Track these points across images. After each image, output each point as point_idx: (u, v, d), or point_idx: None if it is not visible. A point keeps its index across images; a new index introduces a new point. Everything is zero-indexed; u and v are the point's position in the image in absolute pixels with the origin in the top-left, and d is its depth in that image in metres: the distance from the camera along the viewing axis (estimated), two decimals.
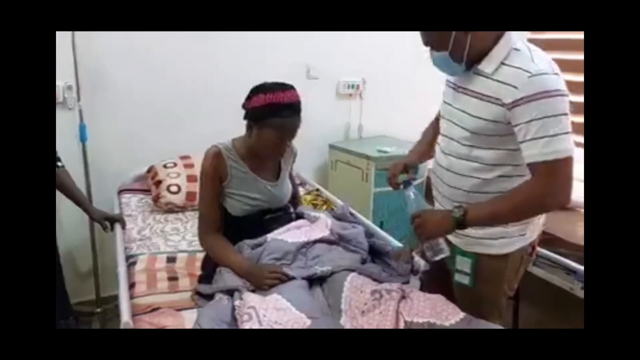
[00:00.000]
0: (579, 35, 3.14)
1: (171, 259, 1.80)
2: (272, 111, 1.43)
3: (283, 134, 1.46)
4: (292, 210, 1.73)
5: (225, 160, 1.52)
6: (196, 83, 2.61)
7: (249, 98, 1.48)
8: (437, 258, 1.32)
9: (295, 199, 1.81)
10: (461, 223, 1.24)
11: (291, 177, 1.76)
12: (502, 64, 1.22)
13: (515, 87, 1.17)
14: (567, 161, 1.16)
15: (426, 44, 1.31)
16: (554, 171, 1.16)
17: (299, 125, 1.49)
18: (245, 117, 1.51)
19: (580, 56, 3.11)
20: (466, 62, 1.27)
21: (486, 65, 1.24)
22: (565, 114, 1.16)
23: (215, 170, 1.51)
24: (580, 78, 3.07)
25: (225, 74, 2.66)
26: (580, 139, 3.22)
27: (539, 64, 1.17)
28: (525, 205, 1.22)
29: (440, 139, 1.45)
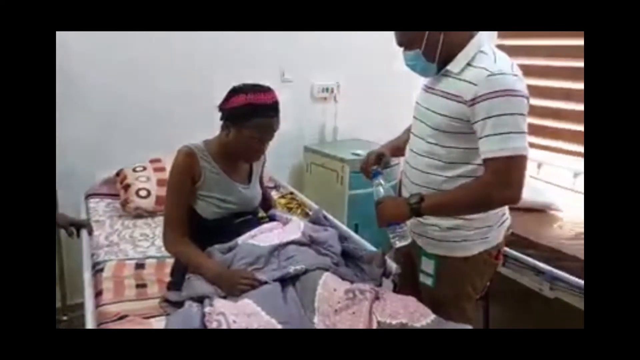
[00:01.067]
0: (544, 42, 3.24)
1: (140, 265, 1.75)
2: (253, 111, 1.42)
3: (263, 135, 1.46)
4: (262, 213, 1.71)
5: (198, 161, 1.49)
6: (167, 86, 2.56)
7: (227, 99, 1.47)
8: (399, 244, 1.37)
9: (267, 202, 1.80)
10: (417, 209, 1.29)
11: (261, 181, 1.75)
12: (468, 64, 1.27)
13: (475, 84, 1.21)
14: (520, 159, 1.20)
15: (400, 44, 1.35)
16: (505, 168, 1.20)
17: (278, 126, 1.48)
18: (222, 118, 1.48)
19: (544, 62, 3.22)
20: (437, 63, 1.31)
21: (454, 66, 1.29)
22: (522, 114, 1.20)
23: (187, 171, 1.47)
24: (542, 83, 3.21)
25: (197, 77, 2.63)
26: (539, 140, 3.30)
27: (500, 65, 1.22)
28: (476, 198, 1.27)
29: (410, 138, 1.48)
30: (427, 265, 1.46)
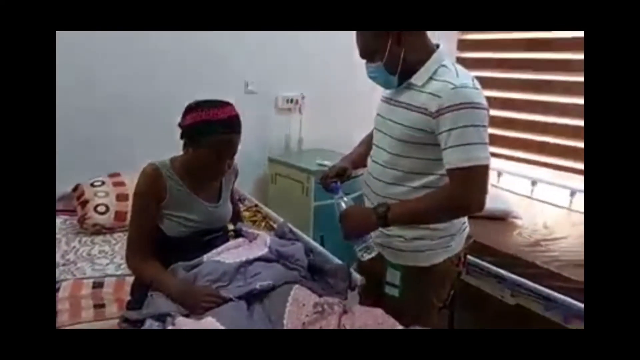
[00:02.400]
0: (502, 55, 3.36)
1: (98, 284, 1.69)
2: (206, 129, 1.36)
3: (220, 153, 1.40)
4: (231, 227, 1.68)
5: (164, 180, 1.43)
6: (127, 98, 2.50)
7: (183, 116, 1.42)
8: (367, 257, 1.37)
9: (236, 216, 1.77)
10: (383, 219, 1.30)
11: (232, 194, 1.72)
12: (431, 78, 1.30)
13: (439, 97, 1.24)
14: (483, 169, 1.24)
15: (362, 56, 1.38)
16: (469, 177, 1.23)
17: (237, 142, 1.43)
18: (181, 136, 1.44)
19: (501, 74, 3.34)
20: (399, 76, 1.34)
21: (417, 79, 1.32)
22: (484, 126, 1.24)
23: (152, 190, 1.42)
24: (499, 94, 3.32)
25: (159, 89, 2.58)
26: (501, 151, 3.41)
27: (462, 79, 1.26)
28: (442, 206, 1.30)
29: (372, 149, 1.50)
30: (393, 277, 1.47)
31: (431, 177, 1.35)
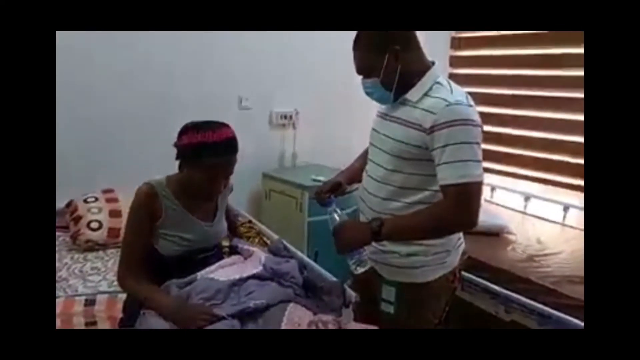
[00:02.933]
0: (494, 71, 3.40)
1: (90, 302, 1.67)
2: (200, 151, 1.36)
3: (214, 174, 1.40)
4: (225, 242, 1.67)
5: (159, 199, 1.43)
6: (122, 113, 2.50)
7: (179, 136, 1.41)
8: (360, 270, 1.36)
9: (232, 231, 1.76)
10: (377, 233, 1.30)
11: (228, 210, 1.71)
12: (426, 94, 1.31)
13: (434, 113, 1.25)
14: (476, 186, 1.25)
15: (359, 72, 1.39)
16: (463, 194, 1.24)
17: (232, 163, 1.43)
18: (177, 157, 1.44)
19: (492, 90, 3.38)
20: (395, 92, 1.35)
21: (412, 95, 1.34)
22: (478, 143, 1.26)
23: (147, 209, 1.41)
24: (491, 110, 3.35)
25: (153, 105, 2.58)
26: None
27: (456, 96, 1.28)
28: (436, 222, 1.30)
29: (367, 164, 1.51)
30: (388, 293, 1.46)
31: (426, 193, 1.35)
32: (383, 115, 1.45)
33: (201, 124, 1.40)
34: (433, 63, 1.38)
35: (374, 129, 1.49)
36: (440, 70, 1.38)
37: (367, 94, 1.41)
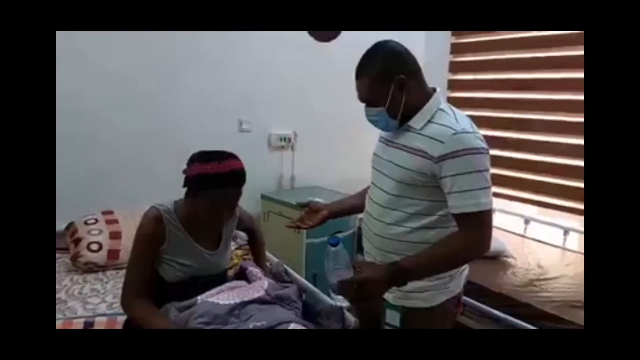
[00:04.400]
0: (493, 94, 3.44)
1: (89, 324, 1.65)
2: (205, 183, 1.37)
3: (219, 206, 1.41)
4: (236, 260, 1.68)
5: (165, 225, 1.44)
6: (123, 136, 2.52)
7: (187, 165, 1.43)
8: (346, 304, 1.35)
9: (251, 232, 1.84)
10: (398, 282, 1.24)
11: (242, 219, 1.72)
12: (430, 121, 1.32)
13: (441, 142, 1.26)
14: (489, 213, 1.26)
15: (363, 100, 1.38)
16: (477, 223, 1.25)
17: (237, 195, 1.43)
18: (184, 185, 1.45)
19: (491, 113, 3.41)
20: (399, 119, 1.36)
21: (415, 122, 1.34)
22: (487, 170, 1.27)
23: (153, 234, 1.42)
24: (490, 132, 3.36)
25: (154, 128, 2.61)
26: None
27: (462, 123, 1.28)
28: (454, 255, 1.29)
29: (370, 188, 1.50)
30: (393, 318, 1.44)
31: (432, 218, 1.35)
32: (386, 141, 1.45)
33: (209, 153, 1.40)
34: (435, 90, 1.39)
35: (376, 154, 1.49)
36: (442, 97, 1.39)
37: (371, 122, 1.40)
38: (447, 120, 1.30)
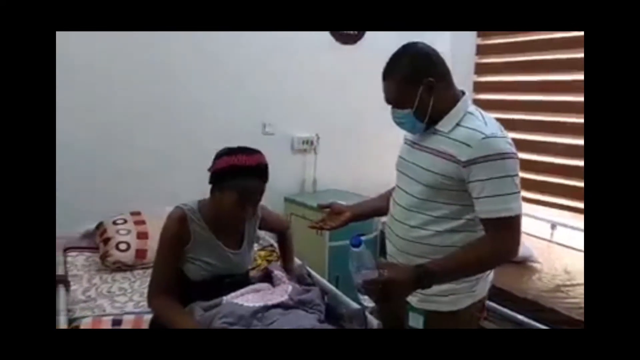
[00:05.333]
0: (520, 97, 3.38)
1: (117, 322, 1.70)
2: (233, 173, 1.41)
3: (244, 197, 1.43)
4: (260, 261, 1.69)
5: (189, 224, 1.48)
6: (149, 139, 2.59)
7: (214, 161, 1.47)
8: (371, 305, 1.31)
9: (282, 235, 1.85)
10: (425, 284, 1.23)
11: (267, 220, 1.73)
12: (458, 124, 1.31)
13: (470, 146, 1.25)
14: (518, 218, 1.25)
15: (389, 102, 1.37)
16: (506, 227, 1.24)
17: (261, 189, 1.46)
18: (210, 181, 1.48)
19: (519, 115, 3.35)
20: (426, 122, 1.35)
21: (443, 125, 1.33)
22: (517, 174, 1.25)
23: (177, 234, 1.46)
24: (517, 135, 3.29)
25: (180, 131, 2.67)
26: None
27: (491, 127, 1.27)
28: (480, 260, 1.28)
29: (394, 191, 1.50)
30: (416, 321, 1.43)
31: (458, 222, 1.34)
32: (412, 144, 1.44)
33: (235, 148, 1.45)
34: (463, 93, 1.37)
35: (401, 157, 1.48)
36: (470, 100, 1.37)
37: (398, 124, 1.40)
38: (476, 123, 1.28)
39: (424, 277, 1.21)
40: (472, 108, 1.34)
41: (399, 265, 1.37)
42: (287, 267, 1.84)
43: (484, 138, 1.24)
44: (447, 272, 1.26)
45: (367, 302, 1.28)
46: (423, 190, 1.35)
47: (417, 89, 1.31)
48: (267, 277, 1.69)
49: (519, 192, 1.25)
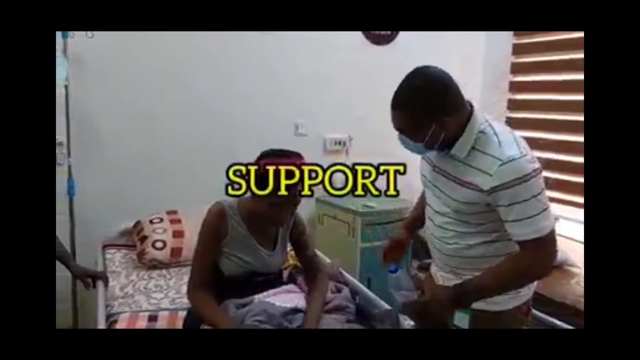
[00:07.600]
0: (560, 97, 3.28)
1: (153, 318, 1.76)
2: (274, 175, 1.40)
3: (283, 200, 1.43)
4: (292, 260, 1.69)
5: (227, 220, 1.51)
6: (185, 139, 2.66)
7: (257, 162, 1.47)
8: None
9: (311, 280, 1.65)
10: (461, 304, 1.28)
11: (303, 247, 1.69)
12: (473, 148, 1.27)
13: (489, 174, 1.22)
14: (550, 235, 1.23)
15: (399, 130, 1.32)
16: (539, 246, 1.22)
17: (296, 201, 1.47)
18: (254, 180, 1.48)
19: (559, 116, 3.25)
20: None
21: (458, 151, 1.29)
22: (541, 192, 1.22)
23: (216, 229, 1.50)
24: (556, 137, 3.18)
25: (215, 131, 2.72)
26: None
27: (506, 149, 1.22)
28: (516, 277, 1.28)
29: (426, 206, 1.48)
30: (462, 320, 1.40)
31: (491, 235, 1.33)
32: (432, 165, 1.41)
33: (277, 151, 1.47)
34: (471, 105, 1.31)
35: (424, 176, 1.46)
36: (480, 114, 1.31)
37: (405, 147, 1.36)
38: (491, 147, 1.24)
39: (462, 296, 1.24)
40: (484, 125, 1.29)
41: (437, 286, 1.40)
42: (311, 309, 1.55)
43: (501, 164, 1.20)
44: (485, 291, 1.28)
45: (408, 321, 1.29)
46: (451, 212, 1.35)
47: (429, 128, 1.25)
48: (292, 279, 1.71)
49: (546, 208, 1.22)
